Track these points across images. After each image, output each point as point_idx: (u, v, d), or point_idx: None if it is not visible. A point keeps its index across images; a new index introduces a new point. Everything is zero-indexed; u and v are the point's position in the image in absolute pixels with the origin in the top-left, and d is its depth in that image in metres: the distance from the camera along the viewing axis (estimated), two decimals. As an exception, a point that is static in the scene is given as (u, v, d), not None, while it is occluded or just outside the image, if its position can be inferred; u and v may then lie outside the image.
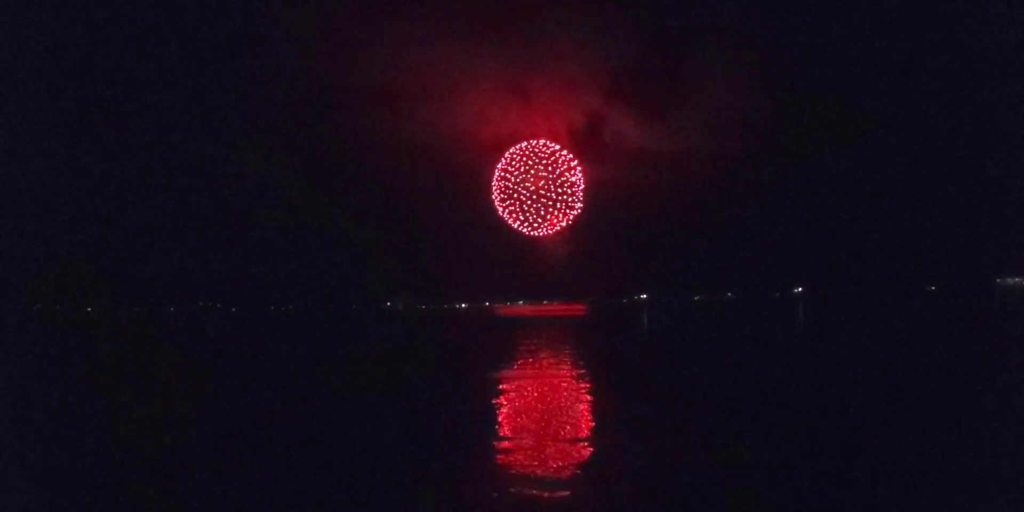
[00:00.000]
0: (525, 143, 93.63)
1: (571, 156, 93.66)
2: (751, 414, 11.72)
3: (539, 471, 8.46)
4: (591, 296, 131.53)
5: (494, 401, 13.60)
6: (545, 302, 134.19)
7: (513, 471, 8.52)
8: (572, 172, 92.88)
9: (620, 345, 28.52)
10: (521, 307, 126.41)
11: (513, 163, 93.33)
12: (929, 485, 7.78)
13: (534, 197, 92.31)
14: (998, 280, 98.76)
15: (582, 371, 18.49)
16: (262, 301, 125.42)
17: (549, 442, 9.94)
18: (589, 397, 14.15)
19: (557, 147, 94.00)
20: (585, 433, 10.77)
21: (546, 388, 15.38)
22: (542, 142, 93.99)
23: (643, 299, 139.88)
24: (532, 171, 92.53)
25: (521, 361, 21.82)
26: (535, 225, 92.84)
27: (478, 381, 16.59)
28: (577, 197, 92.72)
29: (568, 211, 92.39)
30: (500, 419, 11.85)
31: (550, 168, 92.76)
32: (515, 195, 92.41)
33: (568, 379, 16.83)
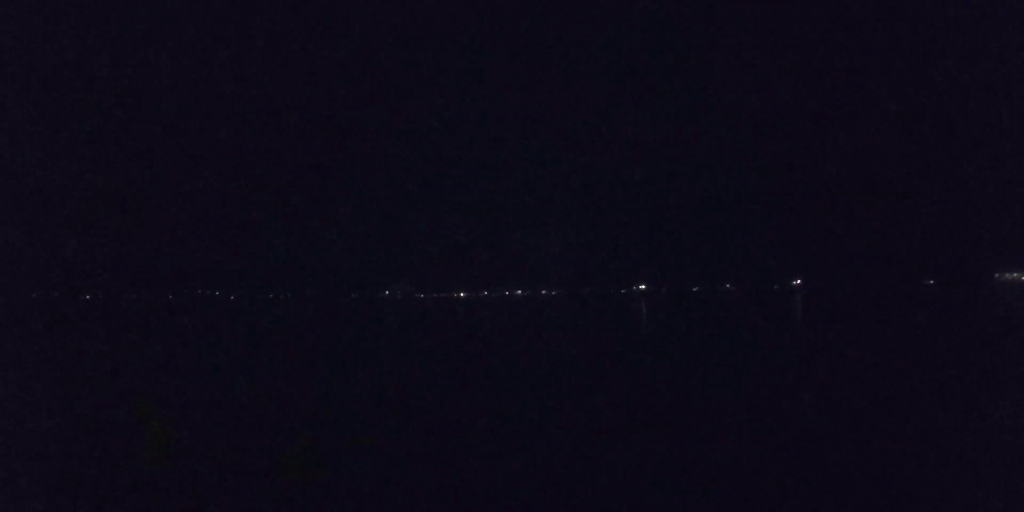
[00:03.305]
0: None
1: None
2: (746, 414, 11.66)
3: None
4: (590, 286, 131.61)
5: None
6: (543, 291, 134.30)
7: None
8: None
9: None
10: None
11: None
12: (925, 483, 7.72)
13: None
14: (996, 275, 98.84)
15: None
16: (260, 289, 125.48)
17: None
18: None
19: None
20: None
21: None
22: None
23: (642, 290, 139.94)
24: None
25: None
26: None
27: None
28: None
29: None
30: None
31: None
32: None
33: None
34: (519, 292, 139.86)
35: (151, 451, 7.60)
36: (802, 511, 7.23)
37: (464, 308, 78.70)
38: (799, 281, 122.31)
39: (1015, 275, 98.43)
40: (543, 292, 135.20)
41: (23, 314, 59.23)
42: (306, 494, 7.90)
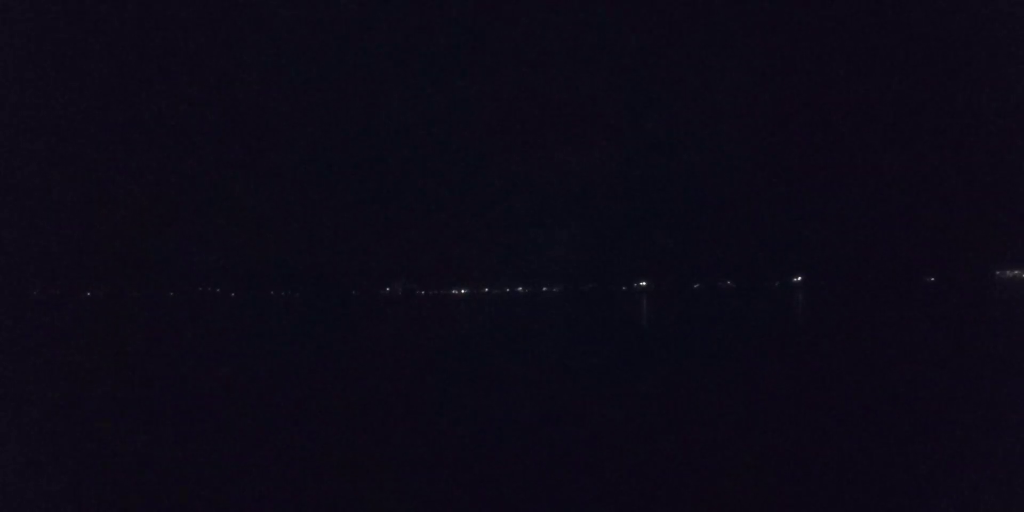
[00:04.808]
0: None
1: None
2: (740, 411, 11.66)
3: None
4: (591, 283, 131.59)
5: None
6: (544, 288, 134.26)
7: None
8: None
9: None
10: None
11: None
12: (925, 482, 7.73)
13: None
14: (997, 272, 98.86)
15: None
16: (262, 287, 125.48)
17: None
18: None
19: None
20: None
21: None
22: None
23: (642, 286, 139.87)
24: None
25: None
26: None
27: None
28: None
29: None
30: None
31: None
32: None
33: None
34: (520, 289, 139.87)
35: None
36: (801, 509, 7.24)
37: (466, 305, 78.76)
38: (800, 278, 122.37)
39: (1016, 273, 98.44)
40: (544, 289, 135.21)
41: (24, 312, 59.26)
42: (307, 494, 7.90)
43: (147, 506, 7.67)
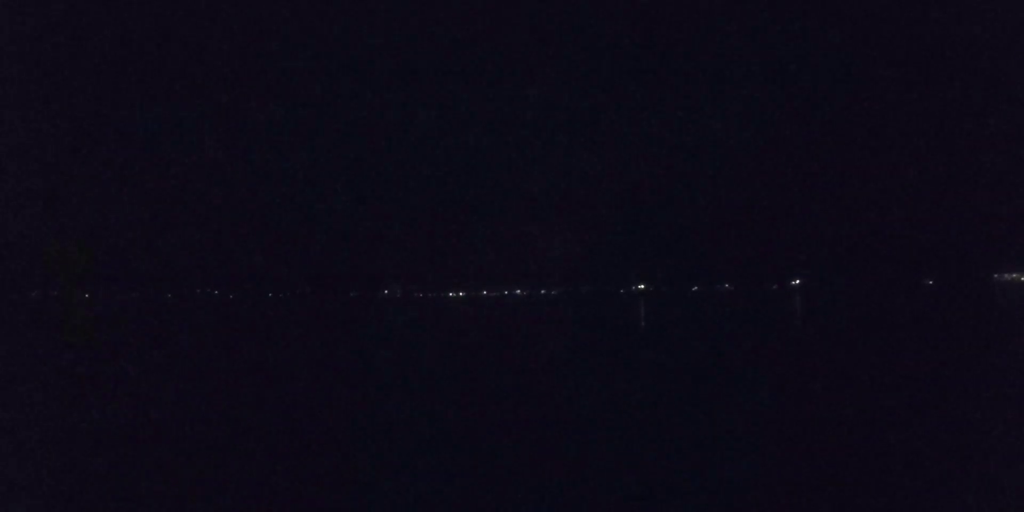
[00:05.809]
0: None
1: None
2: (742, 412, 11.67)
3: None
4: (589, 285, 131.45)
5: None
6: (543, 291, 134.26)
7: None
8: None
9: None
10: None
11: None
12: (923, 485, 7.73)
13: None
14: (996, 275, 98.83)
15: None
16: (260, 288, 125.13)
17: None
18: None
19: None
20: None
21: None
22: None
23: (640, 289, 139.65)
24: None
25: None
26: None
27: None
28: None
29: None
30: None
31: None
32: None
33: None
34: (518, 292, 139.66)
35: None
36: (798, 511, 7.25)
37: (466, 307, 78.76)
38: (798, 281, 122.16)
39: (1014, 276, 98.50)
40: (542, 292, 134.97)
41: (23, 313, 59.08)
42: (306, 495, 7.90)
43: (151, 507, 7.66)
